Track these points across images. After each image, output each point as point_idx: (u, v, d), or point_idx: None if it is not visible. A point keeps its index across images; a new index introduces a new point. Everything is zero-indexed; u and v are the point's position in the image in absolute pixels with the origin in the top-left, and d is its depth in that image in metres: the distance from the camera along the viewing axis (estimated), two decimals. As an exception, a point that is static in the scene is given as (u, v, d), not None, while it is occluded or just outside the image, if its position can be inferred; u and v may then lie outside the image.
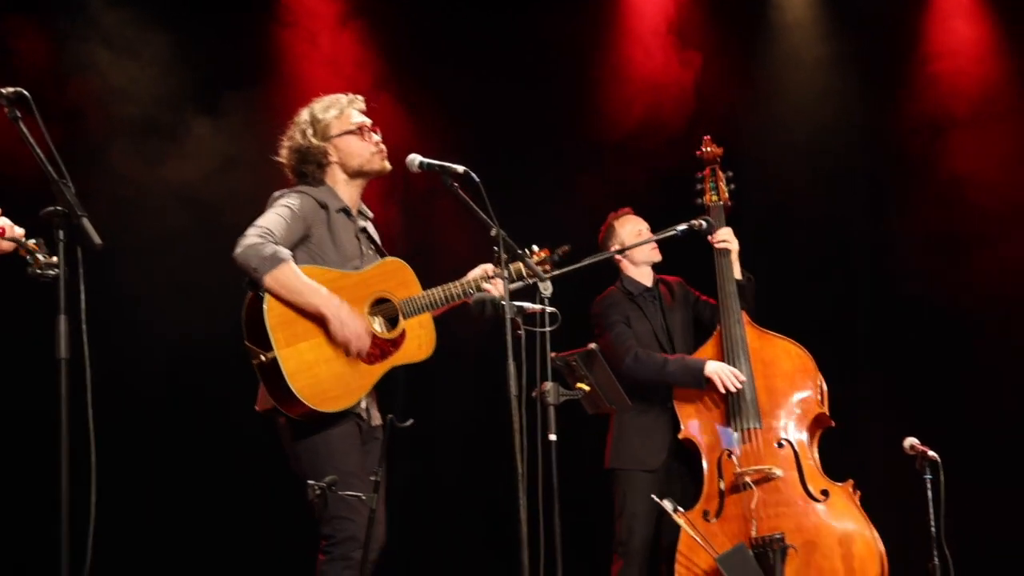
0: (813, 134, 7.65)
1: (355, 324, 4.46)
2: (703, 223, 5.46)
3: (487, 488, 6.40)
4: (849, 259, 7.74)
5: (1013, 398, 7.39)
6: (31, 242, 3.57)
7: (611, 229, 6.16)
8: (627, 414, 5.82)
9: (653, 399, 5.91)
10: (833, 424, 5.84)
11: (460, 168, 4.36)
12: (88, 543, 3.50)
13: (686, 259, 6.11)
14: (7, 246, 3.61)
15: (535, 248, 4.99)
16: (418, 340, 4.68)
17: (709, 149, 6.23)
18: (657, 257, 6.13)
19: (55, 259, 3.50)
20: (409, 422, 4.23)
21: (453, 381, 6.97)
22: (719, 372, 5.76)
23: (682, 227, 5.43)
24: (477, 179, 4.30)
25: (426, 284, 4.76)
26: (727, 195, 6.13)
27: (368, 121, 4.81)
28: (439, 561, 6.88)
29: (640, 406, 5.85)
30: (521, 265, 4.67)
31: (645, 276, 6.16)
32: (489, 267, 4.78)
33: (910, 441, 5.46)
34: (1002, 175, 7.56)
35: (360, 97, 4.87)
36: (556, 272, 4.81)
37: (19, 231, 3.64)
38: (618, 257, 6.09)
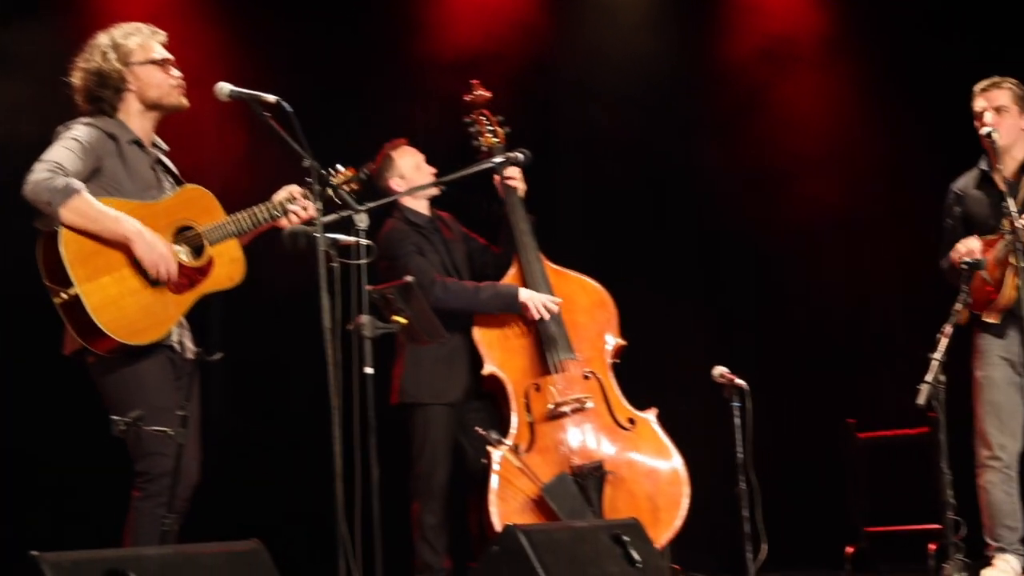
0: (635, 67, 7.72)
1: (162, 246, 4.38)
2: (520, 156, 5.46)
3: (303, 422, 6.36)
4: (663, 191, 7.87)
5: (814, 330, 7.67)
6: None
7: (388, 160, 5.99)
8: (421, 346, 5.76)
9: (452, 330, 5.62)
10: (625, 341, 5.91)
11: (271, 97, 4.30)
12: None
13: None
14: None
15: (340, 168, 4.93)
16: (227, 267, 4.59)
17: (479, 93, 6.16)
18: (436, 191, 5.98)
19: None
20: (219, 355, 4.19)
21: (268, 314, 6.89)
22: (533, 299, 5.77)
23: (498, 159, 5.43)
24: (289, 108, 4.25)
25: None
26: (503, 136, 6.06)
27: (170, 57, 4.71)
28: (255, 497, 6.83)
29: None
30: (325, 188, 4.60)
31: (423, 207, 6.04)
32: (295, 188, 4.70)
33: (719, 370, 5.59)
34: (819, 116, 7.78)
35: (162, 32, 4.76)
36: (372, 204, 4.77)
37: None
38: (395, 188, 5.91)
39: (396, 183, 5.93)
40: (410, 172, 5.97)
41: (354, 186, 4.90)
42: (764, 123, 7.85)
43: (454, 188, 5.78)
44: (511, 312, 5.80)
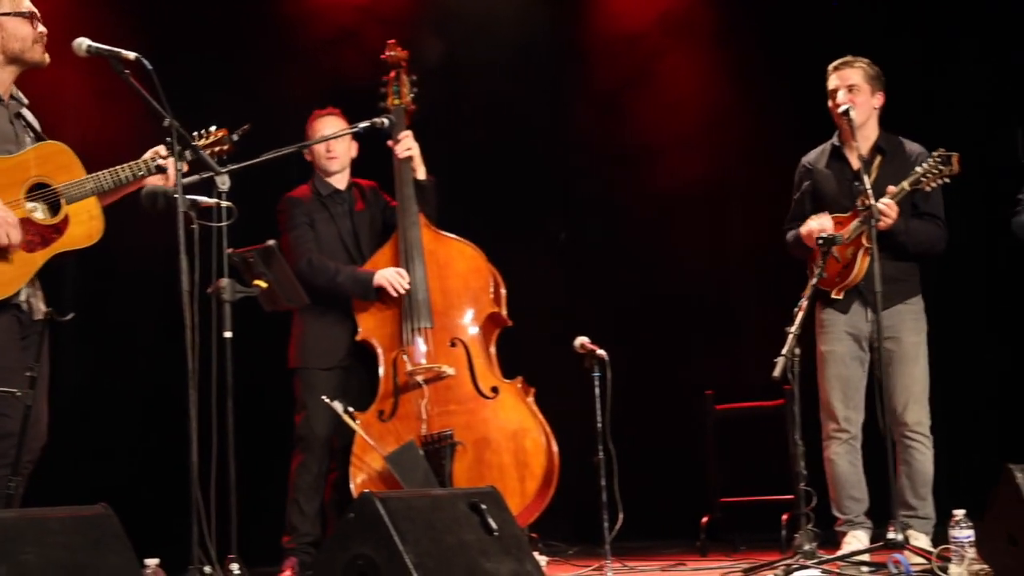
0: (507, 34, 7.74)
1: (2, 210, 4.27)
2: (385, 121, 5.46)
3: (160, 387, 6.29)
4: (531, 160, 7.91)
5: (677, 302, 7.78)
6: None
7: (309, 126, 6.09)
8: (311, 314, 5.85)
9: (335, 299, 5.92)
10: (510, 323, 5.99)
11: (131, 54, 4.23)
12: None
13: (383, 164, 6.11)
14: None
15: (212, 128, 4.84)
16: (84, 226, 4.47)
17: (394, 53, 6.18)
18: (331, 167, 6.05)
19: None
20: (70, 315, 4.12)
21: (125, 275, 6.79)
22: (385, 277, 5.84)
23: (363, 125, 5.41)
24: (150, 66, 4.17)
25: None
26: (409, 98, 6.10)
27: (36, 11, 4.59)
28: (109, 459, 6.73)
29: (320, 307, 5.87)
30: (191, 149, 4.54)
31: (338, 179, 6.11)
32: (161, 149, 4.61)
33: (580, 340, 5.62)
34: (689, 94, 7.87)
35: None
36: (234, 167, 4.71)
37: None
38: (309, 157, 6.06)
39: (307, 151, 6.02)
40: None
41: (225, 148, 4.81)
42: (636, 98, 7.92)
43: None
44: (368, 298, 5.86)
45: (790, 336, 4.90)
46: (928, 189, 5.42)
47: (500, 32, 7.71)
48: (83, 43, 4.25)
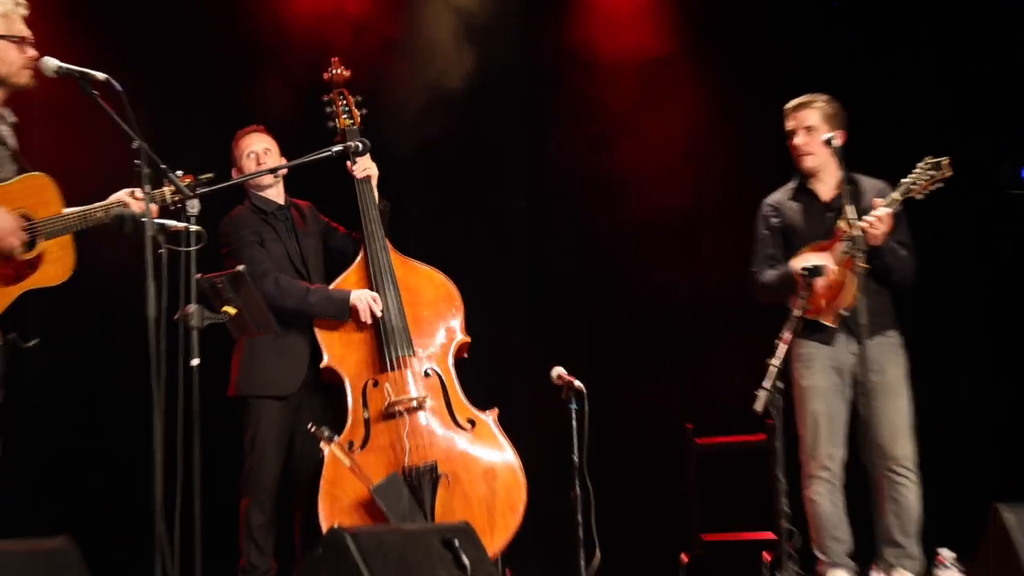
0: (482, 55, 7.72)
1: (6, 221, 4.25)
2: (359, 145, 5.44)
3: (125, 415, 6.24)
4: (501, 186, 7.89)
5: (655, 333, 7.76)
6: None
7: (233, 146, 5.98)
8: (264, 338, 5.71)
9: (291, 321, 5.70)
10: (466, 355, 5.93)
11: (101, 75, 4.21)
12: None
13: (319, 182, 6.04)
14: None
15: (179, 173, 4.80)
16: (58, 264, 4.52)
17: (339, 71, 6.11)
18: (265, 180, 5.89)
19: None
20: (35, 341, 4.09)
21: (91, 300, 6.73)
22: (361, 299, 5.73)
23: (336, 148, 5.36)
24: (119, 87, 4.16)
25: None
26: (359, 118, 6.03)
27: (30, 35, 4.58)
28: (72, 491, 6.67)
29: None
30: (166, 191, 4.54)
31: (274, 195, 5.98)
32: (138, 191, 4.58)
33: (557, 371, 5.59)
34: (667, 122, 7.87)
35: (25, 4, 4.62)
36: (205, 190, 4.70)
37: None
38: (235, 175, 5.85)
39: (235, 172, 5.88)
40: (241, 159, 5.91)
41: (190, 196, 4.75)
42: (610, 124, 7.91)
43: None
44: (342, 319, 5.76)
45: (772, 368, 4.87)
46: (919, 197, 5.40)
47: (475, 54, 7.67)
48: (51, 63, 4.25)
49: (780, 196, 5.82)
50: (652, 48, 7.93)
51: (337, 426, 5.67)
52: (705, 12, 7.89)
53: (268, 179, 5.91)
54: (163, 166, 4.37)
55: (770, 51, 7.66)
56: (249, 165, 5.88)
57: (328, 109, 6.07)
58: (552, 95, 7.95)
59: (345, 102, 6.06)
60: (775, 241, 5.75)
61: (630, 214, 7.73)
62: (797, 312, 5.17)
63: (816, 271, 5.19)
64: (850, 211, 5.33)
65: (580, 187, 7.86)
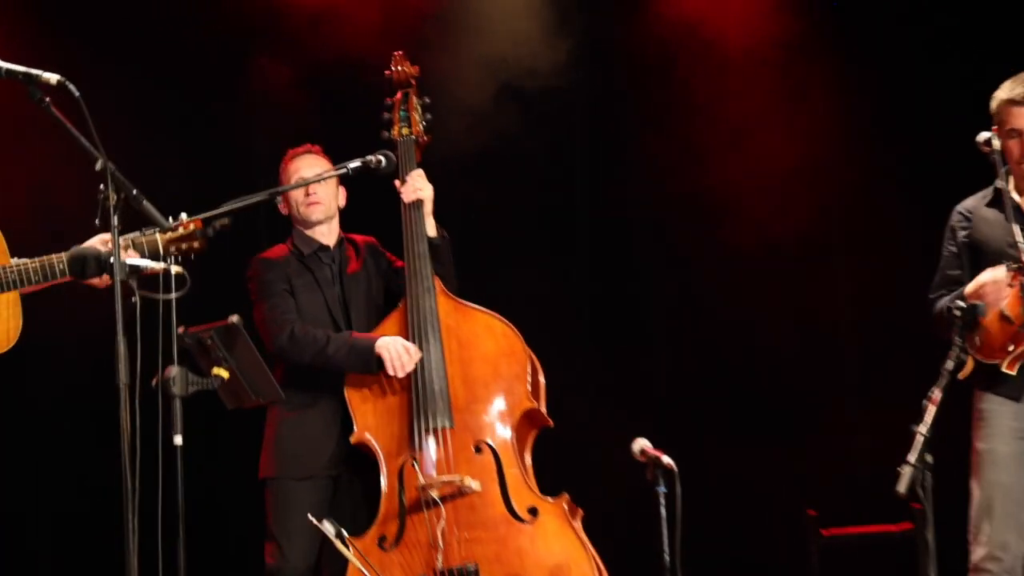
0: (522, 52, 7.71)
1: None
2: (381, 159, 5.45)
3: (89, 503, 6.24)
4: (569, 220, 7.85)
5: (760, 390, 7.69)
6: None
7: (282, 168, 6.06)
8: (288, 407, 5.75)
9: (321, 388, 5.82)
10: (551, 424, 5.90)
11: (53, 77, 4.16)
12: None
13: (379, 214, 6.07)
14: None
15: (184, 217, 4.74)
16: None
17: (401, 68, 6.13)
18: (313, 215, 5.98)
19: None
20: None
21: (48, 362, 6.76)
22: (387, 347, 5.71)
23: (354, 164, 5.38)
24: (76, 92, 4.11)
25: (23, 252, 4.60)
26: (421, 127, 6.05)
27: None
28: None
29: (303, 398, 5.79)
30: (159, 237, 4.53)
31: (324, 233, 6.04)
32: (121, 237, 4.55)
33: (640, 444, 5.49)
34: (771, 130, 7.83)
35: None
36: (188, 219, 4.68)
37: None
38: (284, 209, 6.01)
39: (280, 199, 5.98)
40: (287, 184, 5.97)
41: (196, 245, 4.72)
42: (700, 133, 7.87)
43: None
44: (368, 372, 5.74)
45: (919, 437, 4.77)
46: None
47: (541, 46, 7.67)
48: (-10, 63, 4.21)
49: (974, 202, 5.74)
50: (768, 38, 7.92)
51: (371, 515, 5.71)
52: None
53: (317, 212, 5.97)
54: (134, 192, 4.30)
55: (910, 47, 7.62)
56: (296, 194, 5.95)
57: (386, 115, 6.09)
58: (636, 93, 7.91)
59: (405, 106, 6.08)
60: (960, 259, 5.68)
61: (730, 241, 7.73)
62: (949, 364, 5.05)
63: (973, 310, 5.10)
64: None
65: (666, 207, 7.80)
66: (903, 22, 7.71)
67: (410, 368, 5.71)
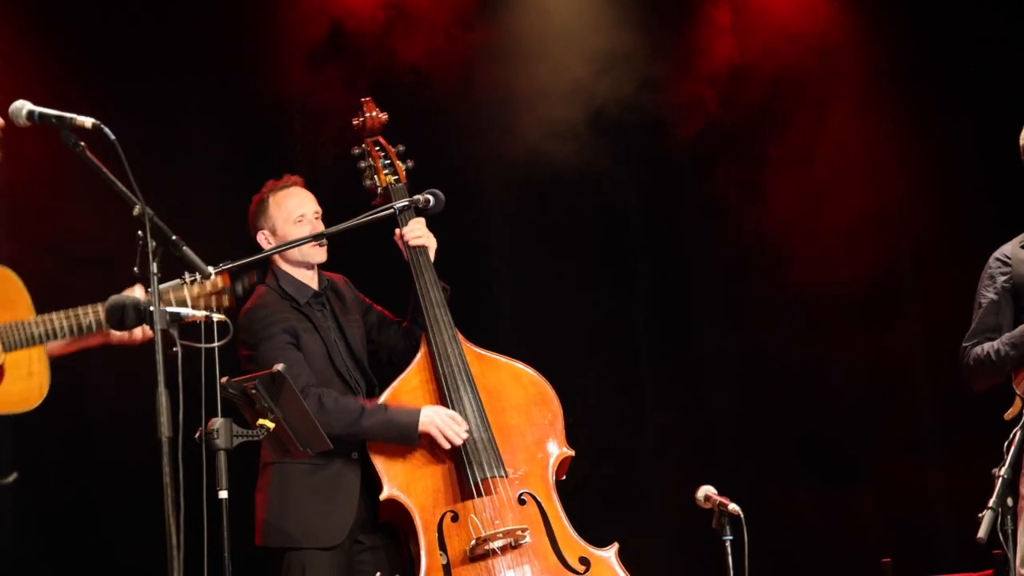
0: (579, 87, 7.68)
1: None
2: (430, 199, 5.61)
3: (133, 567, 6.22)
4: (623, 252, 7.85)
5: (826, 434, 7.64)
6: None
7: (263, 204, 5.86)
8: (292, 466, 5.59)
9: (334, 440, 5.46)
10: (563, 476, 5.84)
11: (88, 120, 4.16)
12: None
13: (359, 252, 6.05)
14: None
15: (211, 270, 4.62)
16: (22, 384, 4.52)
17: (372, 114, 6.07)
18: (321, 257, 5.82)
19: None
20: (12, 476, 4.03)
21: (84, 418, 6.75)
22: (435, 423, 5.60)
23: (400, 204, 5.38)
24: (112, 136, 4.10)
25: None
26: (404, 173, 5.98)
27: None
28: None
29: (315, 455, 5.53)
30: (194, 288, 4.50)
31: (311, 277, 5.89)
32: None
33: (705, 490, 5.50)
34: (840, 168, 7.81)
35: None
36: (230, 265, 4.68)
37: None
38: (262, 244, 5.80)
39: (264, 238, 5.79)
40: (286, 225, 5.80)
41: (224, 301, 4.72)
42: (774, 173, 7.82)
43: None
44: (410, 444, 5.64)
45: (1000, 480, 4.71)
46: None
47: (582, 70, 7.67)
48: (23, 108, 4.24)
49: (1012, 247, 5.71)
50: (827, 63, 7.93)
51: (407, 573, 5.64)
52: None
53: (317, 254, 5.81)
54: (173, 238, 4.28)
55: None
56: (297, 232, 5.76)
57: (362, 163, 6.01)
58: (686, 123, 7.89)
59: (384, 153, 6.01)
60: (999, 306, 5.61)
61: (793, 284, 7.72)
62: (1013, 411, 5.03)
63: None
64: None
65: (722, 247, 7.78)
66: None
67: (465, 437, 5.63)
